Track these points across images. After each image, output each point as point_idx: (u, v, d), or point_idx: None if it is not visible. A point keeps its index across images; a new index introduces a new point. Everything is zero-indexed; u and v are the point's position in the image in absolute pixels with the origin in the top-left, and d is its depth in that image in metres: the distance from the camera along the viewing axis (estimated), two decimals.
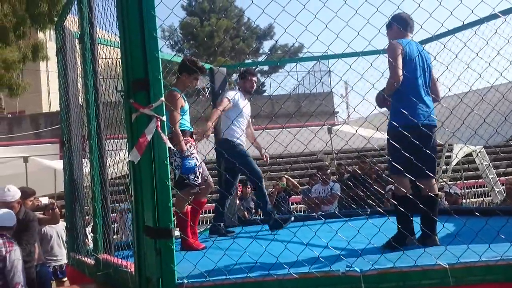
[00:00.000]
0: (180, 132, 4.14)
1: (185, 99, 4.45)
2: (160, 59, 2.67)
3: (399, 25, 3.58)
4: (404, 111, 3.23)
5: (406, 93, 3.37)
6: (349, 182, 7.35)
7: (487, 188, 11.79)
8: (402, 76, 3.31)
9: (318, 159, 15.04)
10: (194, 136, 4.47)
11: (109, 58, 3.50)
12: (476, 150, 10.41)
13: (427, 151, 3.19)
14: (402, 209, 3.25)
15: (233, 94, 5.20)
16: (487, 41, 3.06)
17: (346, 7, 2.77)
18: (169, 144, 2.69)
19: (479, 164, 10.93)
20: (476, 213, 2.88)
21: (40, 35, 16.73)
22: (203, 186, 4.40)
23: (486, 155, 11.04)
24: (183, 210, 4.21)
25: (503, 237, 2.71)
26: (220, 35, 30.77)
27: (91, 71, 3.54)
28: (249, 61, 30.02)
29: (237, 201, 7.74)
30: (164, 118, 2.68)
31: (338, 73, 4.74)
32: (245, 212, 8.26)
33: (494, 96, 3.66)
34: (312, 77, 21.32)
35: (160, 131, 2.65)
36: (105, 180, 3.51)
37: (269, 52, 32.98)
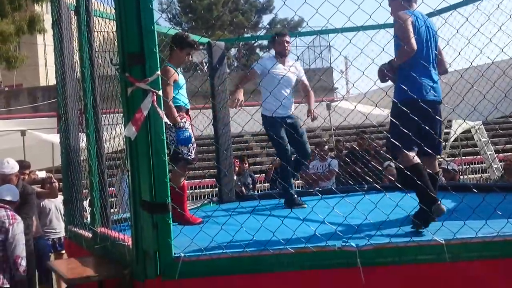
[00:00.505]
0: (173, 105, 4.07)
1: (180, 74, 4.37)
2: (156, 32, 2.63)
3: None
4: (412, 86, 3.14)
5: (414, 67, 3.22)
6: (347, 159, 7.35)
7: (485, 165, 11.82)
8: (415, 45, 3.16)
9: (316, 135, 15.03)
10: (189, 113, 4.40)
11: (105, 31, 3.44)
12: (475, 126, 10.40)
13: (433, 126, 3.14)
14: (418, 180, 3.05)
15: (259, 64, 5.00)
16: (488, 17, 3.00)
17: None
18: (165, 119, 2.66)
19: (477, 141, 10.94)
20: (474, 190, 2.88)
21: (37, 7, 16.49)
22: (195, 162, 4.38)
23: (485, 132, 11.04)
24: (180, 184, 4.14)
25: (500, 213, 2.72)
26: (218, 8, 30.42)
27: (86, 44, 3.49)
28: (248, 35, 29.74)
29: (235, 177, 7.77)
30: (160, 92, 2.65)
31: (338, 48, 4.67)
32: (243, 188, 8.29)
33: (495, 73, 3.62)
34: (312, 52, 21.12)
35: (156, 106, 2.62)
36: (101, 154, 3.50)
37: (268, 26, 32.69)
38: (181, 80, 4.34)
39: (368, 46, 3.07)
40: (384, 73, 3.30)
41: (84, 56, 3.56)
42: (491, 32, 2.95)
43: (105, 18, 3.45)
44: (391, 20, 4.38)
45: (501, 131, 13.72)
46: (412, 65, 3.22)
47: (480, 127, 10.58)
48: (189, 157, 4.19)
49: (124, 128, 2.71)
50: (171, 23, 32.47)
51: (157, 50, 2.65)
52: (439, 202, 3.03)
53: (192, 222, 4.10)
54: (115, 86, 3.10)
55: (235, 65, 32.77)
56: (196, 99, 4.85)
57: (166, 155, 2.67)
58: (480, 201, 2.76)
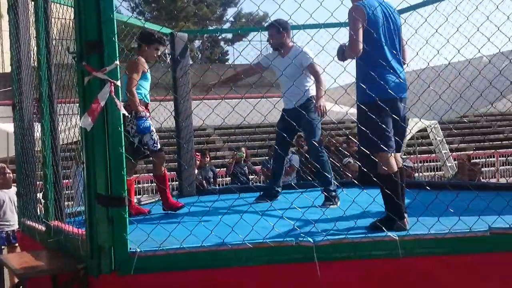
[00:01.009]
0: (136, 95, 4.10)
1: (147, 68, 4.35)
2: (115, 21, 2.56)
3: None
4: (373, 85, 2.98)
5: (374, 63, 3.01)
6: (307, 154, 7.40)
7: (439, 163, 12.18)
8: (361, 48, 2.96)
9: (273, 131, 15.08)
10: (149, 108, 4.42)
11: (63, 18, 3.33)
12: (430, 126, 10.69)
13: (398, 123, 3.04)
14: (389, 190, 2.92)
15: (265, 57, 4.94)
16: (447, 18, 3.07)
17: None
18: (123, 111, 2.60)
19: (433, 139, 11.25)
20: (427, 187, 2.95)
21: None
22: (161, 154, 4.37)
23: (440, 131, 11.36)
24: (161, 173, 4.39)
25: (452, 211, 2.79)
26: None
27: (43, 30, 3.36)
28: (212, 28, 29.52)
29: (196, 170, 7.71)
30: (118, 82, 2.59)
31: (302, 44, 4.68)
32: (204, 182, 8.23)
33: (451, 73, 3.72)
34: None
35: (114, 97, 2.56)
36: (56, 146, 3.39)
37: (233, 20, 32.59)
38: (148, 74, 4.34)
39: (329, 43, 3.09)
40: (341, 52, 3.16)
41: (40, 43, 3.44)
42: (449, 33, 3.01)
43: (64, 4, 3.34)
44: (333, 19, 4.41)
45: (455, 131, 14.15)
46: (373, 62, 3.03)
47: (436, 126, 10.88)
48: (155, 148, 4.27)
49: (80, 118, 2.63)
50: (134, 12, 31.91)
51: (116, 39, 2.58)
52: (405, 219, 2.95)
53: (175, 207, 4.28)
54: (72, 75, 3.01)
55: (199, 57, 32.53)
56: (157, 91, 4.78)
57: (124, 147, 2.61)
58: (433, 198, 2.83)
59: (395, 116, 3.03)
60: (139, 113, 4.12)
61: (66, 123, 3.50)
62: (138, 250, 2.61)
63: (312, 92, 4.55)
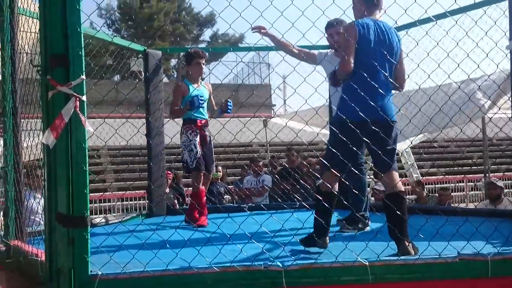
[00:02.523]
0: (175, 114, 4.75)
1: (191, 87, 4.74)
2: (82, 34, 2.48)
3: (360, 2, 3.18)
4: (346, 105, 3.00)
5: (358, 83, 2.98)
6: (279, 176, 7.37)
7: (409, 187, 12.29)
8: (353, 65, 2.97)
9: (252, 151, 15.07)
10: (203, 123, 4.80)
11: (29, 31, 3.24)
12: (402, 150, 10.78)
13: (378, 146, 2.97)
14: (323, 207, 3.00)
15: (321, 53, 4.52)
16: (417, 43, 3.10)
17: None
18: (87, 127, 2.51)
19: (404, 163, 11.36)
20: (397, 212, 2.92)
21: None
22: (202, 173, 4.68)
23: (412, 155, 11.49)
24: (195, 190, 4.72)
25: (422, 236, 2.77)
26: (160, 18, 30.05)
27: (8, 43, 3.26)
28: (188, 47, 29.55)
29: (167, 189, 7.57)
30: (84, 97, 2.50)
31: (277, 65, 4.66)
32: (175, 201, 8.10)
33: (422, 98, 3.75)
34: (251, 69, 21.40)
35: (79, 112, 2.47)
36: (18, 162, 3.26)
37: (209, 40, 32.69)
38: (195, 93, 4.68)
39: (301, 65, 3.08)
40: (334, 78, 3.16)
41: (5, 55, 3.33)
42: (420, 58, 3.03)
43: (30, 16, 3.25)
44: (325, 41, 4.39)
45: (425, 155, 14.35)
46: (354, 81, 3.02)
47: (407, 150, 11.00)
48: (190, 167, 4.62)
49: (43, 134, 2.53)
50: (110, 29, 31.70)
51: (83, 53, 2.50)
52: (327, 237, 3.08)
53: (197, 223, 4.47)
54: (36, 90, 2.91)
55: (174, 75, 32.44)
56: (130, 108, 4.71)
57: (87, 165, 2.51)
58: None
59: (366, 138, 2.97)
60: (182, 131, 4.67)
61: (32, 139, 3.38)
62: (100, 273, 2.50)
63: None
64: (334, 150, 2.95)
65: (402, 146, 8.58)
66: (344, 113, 3.03)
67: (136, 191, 11.93)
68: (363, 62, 3.01)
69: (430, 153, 15.35)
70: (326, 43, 4.40)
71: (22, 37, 3.35)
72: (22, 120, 3.36)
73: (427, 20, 3.69)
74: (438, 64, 2.80)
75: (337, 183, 3.15)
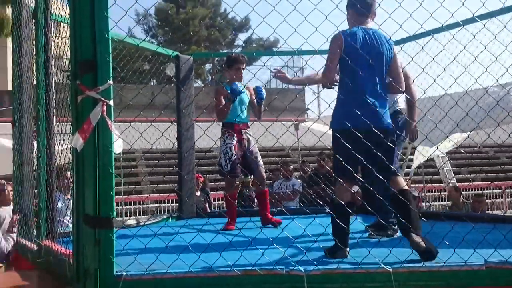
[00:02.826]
0: (219, 116, 4.76)
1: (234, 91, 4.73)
2: (110, 41, 2.56)
3: (353, 8, 3.22)
4: (341, 114, 3.06)
5: (347, 93, 3.06)
6: (311, 180, 7.34)
7: (445, 193, 12.02)
8: (333, 76, 3.15)
9: (285, 155, 15.07)
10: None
11: (61, 36, 3.35)
12: (439, 155, 10.55)
13: (371, 154, 2.91)
14: (338, 219, 2.98)
15: None
16: (443, 47, 3.05)
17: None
18: (114, 131, 2.57)
19: (440, 169, 11.12)
20: (423, 218, 2.87)
21: (8, 10, 16.12)
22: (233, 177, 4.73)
23: (448, 160, 11.24)
24: (228, 193, 4.85)
25: (447, 243, 2.71)
26: (195, 23, 30.45)
27: (42, 48, 3.38)
28: (224, 51, 29.81)
29: (198, 193, 7.66)
30: (111, 102, 2.57)
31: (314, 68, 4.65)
32: (206, 205, 8.18)
33: (448, 104, 3.67)
34: (289, 71, 21.35)
35: (106, 116, 2.54)
36: (50, 164, 3.37)
37: (243, 45, 32.88)
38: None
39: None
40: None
41: (39, 61, 3.45)
42: (445, 64, 2.98)
43: (62, 22, 3.36)
44: None
45: (460, 161, 13.99)
46: (344, 90, 3.09)
47: (444, 155, 10.76)
48: (223, 170, 4.72)
49: (72, 138, 2.61)
50: (147, 35, 32.33)
51: (111, 58, 2.57)
52: (347, 250, 3.04)
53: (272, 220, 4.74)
54: (67, 94, 3.00)
55: (209, 80, 32.77)
56: (165, 112, 4.81)
57: (113, 167, 2.57)
58: (428, 230, 2.76)
59: (360, 146, 2.93)
60: (221, 135, 4.74)
61: (65, 143, 3.48)
62: (124, 273, 2.55)
63: (401, 105, 4.10)
64: (338, 161, 3.02)
65: (429, 151, 8.41)
66: (338, 120, 3.10)
67: (168, 194, 12.11)
68: (352, 70, 3.04)
69: (466, 158, 14.96)
70: None
71: (55, 42, 3.46)
72: (55, 124, 3.46)
73: (455, 25, 3.61)
74: (465, 68, 2.74)
75: (364, 190, 3.13)
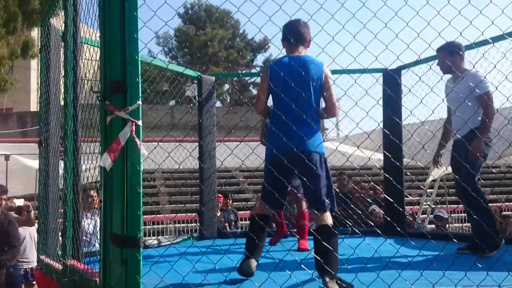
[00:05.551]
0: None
1: None
2: (139, 62, 2.59)
3: (285, 40, 3.32)
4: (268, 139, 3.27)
5: (273, 120, 3.24)
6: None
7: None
8: (263, 107, 3.33)
9: None
10: None
11: (90, 59, 3.41)
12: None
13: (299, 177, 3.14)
14: (251, 229, 3.19)
15: None
16: (473, 65, 3.01)
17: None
18: (143, 151, 2.59)
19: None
20: (454, 240, 2.81)
21: (33, 32, 16.55)
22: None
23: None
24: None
25: (480, 266, 2.64)
26: (214, 44, 30.84)
27: (71, 70, 3.44)
28: (243, 72, 30.06)
29: (218, 213, 7.64)
30: (140, 122, 2.59)
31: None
32: (226, 224, 8.14)
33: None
34: None
35: (135, 136, 2.55)
36: (77, 183, 3.40)
37: (262, 65, 33.12)
38: None
39: (354, 87, 3.06)
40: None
41: (68, 82, 3.51)
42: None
43: (91, 45, 3.42)
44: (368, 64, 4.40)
45: (483, 181, 13.71)
46: (273, 118, 3.25)
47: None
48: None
49: (101, 157, 2.63)
50: (167, 56, 32.83)
51: (140, 79, 2.60)
52: (251, 259, 3.03)
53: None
54: (96, 115, 3.04)
55: (228, 100, 33.02)
56: (184, 132, 4.83)
57: (141, 187, 2.58)
58: None
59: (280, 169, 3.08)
60: None
61: (91, 162, 3.52)
62: None
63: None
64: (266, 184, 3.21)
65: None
66: (268, 145, 3.26)
67: (188, 214, 12.11)
68: (279, 98, 3.17)
69: (490, 178, 14.69)
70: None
71: (84, 64, 3.53)
72: (82, 143, 3.50)
73: (484, 43, 3.58)
74: (495, 87, 2.70)
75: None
